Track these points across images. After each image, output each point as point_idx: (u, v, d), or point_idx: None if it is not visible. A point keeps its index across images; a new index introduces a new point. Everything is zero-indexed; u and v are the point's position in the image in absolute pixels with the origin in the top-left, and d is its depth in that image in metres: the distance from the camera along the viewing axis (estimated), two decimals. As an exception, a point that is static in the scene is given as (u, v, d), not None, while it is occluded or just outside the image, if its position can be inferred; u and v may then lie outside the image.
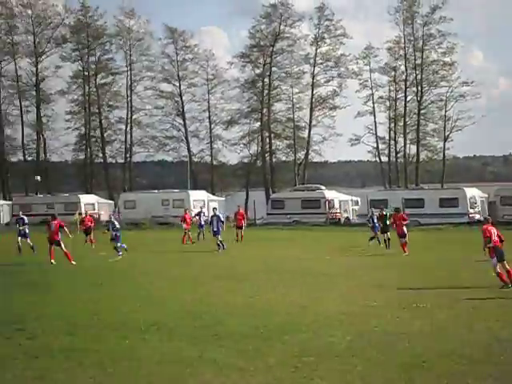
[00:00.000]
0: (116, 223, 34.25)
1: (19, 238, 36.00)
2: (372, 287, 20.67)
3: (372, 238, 37.12)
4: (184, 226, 42.42)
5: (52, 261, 30.25)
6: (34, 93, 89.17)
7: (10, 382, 10.49)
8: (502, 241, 20.36)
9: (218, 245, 35.78)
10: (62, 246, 30.53)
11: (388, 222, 35.59)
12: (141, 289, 21.31)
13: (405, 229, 32.77)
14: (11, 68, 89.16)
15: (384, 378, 10.49)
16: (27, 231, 36.15)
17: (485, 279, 21.08)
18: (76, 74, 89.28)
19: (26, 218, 37.11)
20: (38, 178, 79.60)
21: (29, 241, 35.73)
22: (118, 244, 33.29)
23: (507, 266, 19.81)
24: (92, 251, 36.07)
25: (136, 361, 11.71)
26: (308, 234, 49.76)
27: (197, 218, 44.57)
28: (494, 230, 20.35)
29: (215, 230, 36.49)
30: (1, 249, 36.22)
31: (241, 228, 43.06)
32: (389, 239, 35.23)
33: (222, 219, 37.69)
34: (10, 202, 74.76)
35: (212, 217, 37.46)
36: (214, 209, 38.92)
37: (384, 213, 36.56)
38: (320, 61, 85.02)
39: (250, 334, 13.73)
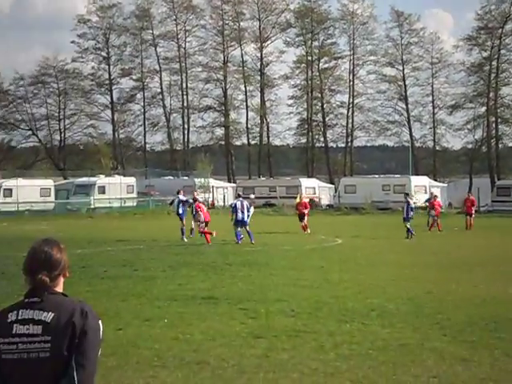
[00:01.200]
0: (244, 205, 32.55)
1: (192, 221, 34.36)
2: None
3: None
4: (432, 212, 41.56)
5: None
6: (258, 78, 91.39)
7: (234, 360, 10.68)
8: None
9: (408, 231, 34.96)
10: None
11: None
12: (360, 273, 21.20)
13: None
14: (237, 53, 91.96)
15: None
16: (194, 213, 33.83)
17: None
18: (299, 59, 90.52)
19: (189, 199, 34.84)
20: None
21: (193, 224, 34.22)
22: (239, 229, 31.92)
23: None
24: (308, 235, 36.16)
25: (356, 345, 11.60)
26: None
27: (427, 204, 43.86)
28: None
29: (405, 216, 35.60)
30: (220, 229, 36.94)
31: (470, 215, 41.63)
32: None
33: (412, 206, 36.36)
34: (234, 185, 77.03)
35: (405, 203, 36.61)
36: (406, 195, 37.95)
37: None
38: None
39: (474, 324, 13.26)
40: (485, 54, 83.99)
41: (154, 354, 11.04)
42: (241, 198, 33.24)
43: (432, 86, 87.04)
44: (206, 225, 32.33)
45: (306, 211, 38.37)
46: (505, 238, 35.21)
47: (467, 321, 13.62)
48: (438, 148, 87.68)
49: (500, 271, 21.77)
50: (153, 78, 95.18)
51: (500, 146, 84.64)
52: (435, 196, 43.98)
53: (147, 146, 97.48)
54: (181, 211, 33.66)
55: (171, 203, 36.30)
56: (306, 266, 23.31)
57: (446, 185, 71.57)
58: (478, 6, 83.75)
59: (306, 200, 41.80)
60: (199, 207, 32.57)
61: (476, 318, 13.85)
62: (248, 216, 31.91)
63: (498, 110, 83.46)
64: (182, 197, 34.23)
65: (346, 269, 22.45)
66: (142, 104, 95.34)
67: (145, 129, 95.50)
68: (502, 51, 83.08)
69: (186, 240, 32.37)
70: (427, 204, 43.33)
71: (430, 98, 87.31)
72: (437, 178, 78.11)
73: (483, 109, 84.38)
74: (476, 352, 11.18)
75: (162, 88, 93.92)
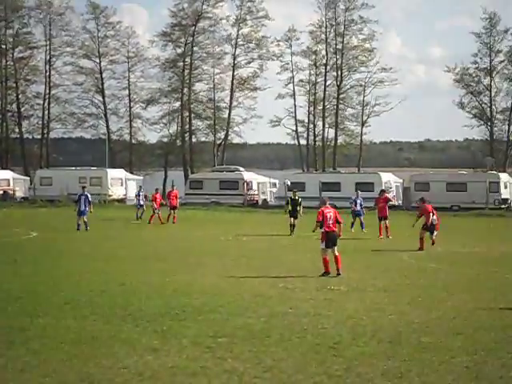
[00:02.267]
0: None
1: None
2: (290, 270, 20.81)
3: (353, 224, 35.18)
4: (154, 205, 41.58)
5: None
6: None
7: None
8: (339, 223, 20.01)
9: (79, 224, 35.09)
10: None
11: (298, 208, 34.60)
12: (55, 266, 21.08)
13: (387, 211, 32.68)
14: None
15: (297, 359, 10.60)
16: None
17: (401, 262, 21.43)
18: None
19: None
20: None
21: None
22: None
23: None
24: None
25: (49, 339, 11.58)
26: (226, 215, 49.84)
27: (137, 197, 44.17)
28: (330, 214, 19.71)
29: (81, 209, 35.32)
30: None
31: (175, 208, 41.89)
32: (294, 225, 33.98)
33: (90, 199, 36.20)
34: None
35: (80, 196, 36.07)
36: (84, 187, 37.88)
37: (296, 197, 35.22)
38: (241, 42, 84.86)
39: (165, 315, 13.70)
40: (179, 51, 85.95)
41: None
42: None
43: (128, 80, 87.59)
44: None
45: None
46: (195, 230, 36.39)
47: (159, 311, 14.04)
48: (134, 141, 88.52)
49: (190, 262, 22.62)
50: None
51: (193, 140, 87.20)
52: (157, 189, 44.70)
53: None
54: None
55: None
56: (-2, 260, 22.74)
57: (142, 177, 72.52)
58: (171, 3, 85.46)
59: None
60: None
61: (167, 308, 14.33)
62: None
63: (192, 106, 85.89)
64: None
65: (39, 262, 22.20)
66: None
67: None
68: (195, 48, 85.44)
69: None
70: (142, 199, 43.68)
71: (127, 92, 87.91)
72: (133, 171, 78.91)
73: (178, 104, 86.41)
74: (166, 341, 11.60)
75: None
